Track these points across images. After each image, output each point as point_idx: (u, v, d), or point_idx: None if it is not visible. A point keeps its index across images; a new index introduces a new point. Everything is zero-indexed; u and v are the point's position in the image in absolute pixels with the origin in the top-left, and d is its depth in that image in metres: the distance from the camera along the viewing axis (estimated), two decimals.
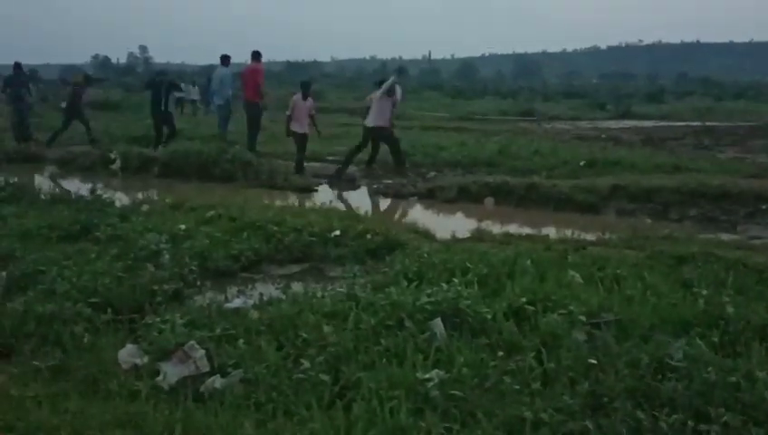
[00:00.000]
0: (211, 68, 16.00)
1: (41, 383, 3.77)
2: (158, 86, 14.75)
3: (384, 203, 11.19)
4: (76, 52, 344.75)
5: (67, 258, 6.06)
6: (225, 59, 15.53)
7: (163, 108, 14.67)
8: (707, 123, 26.39)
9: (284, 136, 13.56)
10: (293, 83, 14.51)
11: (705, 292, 4.91)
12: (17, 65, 16.67)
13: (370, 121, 12.61)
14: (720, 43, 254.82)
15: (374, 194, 11.76)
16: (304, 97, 13.06)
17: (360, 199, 10.87)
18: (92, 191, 9.28)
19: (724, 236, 8.25)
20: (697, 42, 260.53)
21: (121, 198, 9.79)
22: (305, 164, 13.14)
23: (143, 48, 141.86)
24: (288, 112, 13.04)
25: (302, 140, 13.06)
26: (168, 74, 15.99)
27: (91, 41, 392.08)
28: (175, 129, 15.09)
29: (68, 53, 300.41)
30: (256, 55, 14.83)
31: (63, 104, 16.21)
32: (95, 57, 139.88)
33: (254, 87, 14.49)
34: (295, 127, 12.98)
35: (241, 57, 17.31)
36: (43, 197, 9.28)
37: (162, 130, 14.82)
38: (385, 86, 12.55)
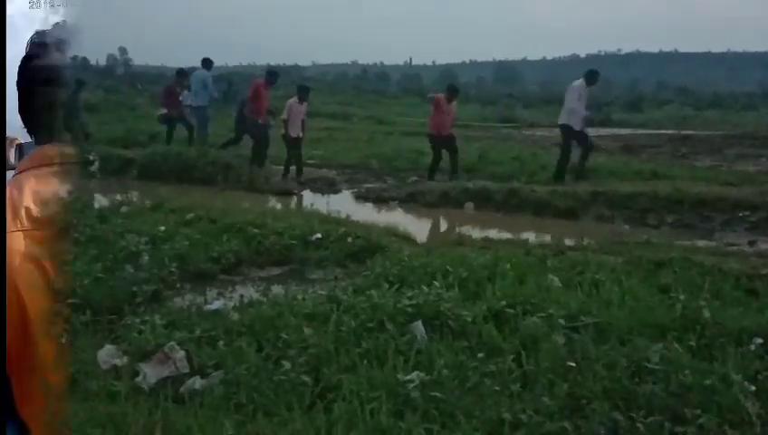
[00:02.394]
0: (191, 71, 15.74)
1: None
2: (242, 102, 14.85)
3: (365, 207, 11.20)
4: None
5: None
6: (207, 62, 15.30)
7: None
8: (684, 132, 26.66)
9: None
10: (275, 87, 14.38)
11: (682, 297, 4.94)
12: None
13: (562, 119, 12.56)
14: (698, 52, 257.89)
15: (355, 198, 11.78)
16: (300, 101, 13.02)
17: (341, 203, 10.86)
18: (71, 193, 9.17)
19: (701, 243, 8.34)
20: (675, 51, 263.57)
21: (100, 200, 9.71)
22: (289, 167, 13.04)
23: (123, 50, 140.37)
24: (284, 117, 12.87)
25: (296, 143, 12.99)
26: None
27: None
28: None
29: None
30: (266, 75, 14.36)
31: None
32: (73, 58, 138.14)
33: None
34: (291, 131, 12.82)
35: (221, 60, 17.17)
36: None
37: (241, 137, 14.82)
38: (575, 92, 12.28)
